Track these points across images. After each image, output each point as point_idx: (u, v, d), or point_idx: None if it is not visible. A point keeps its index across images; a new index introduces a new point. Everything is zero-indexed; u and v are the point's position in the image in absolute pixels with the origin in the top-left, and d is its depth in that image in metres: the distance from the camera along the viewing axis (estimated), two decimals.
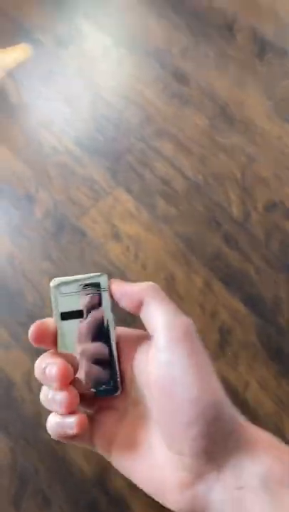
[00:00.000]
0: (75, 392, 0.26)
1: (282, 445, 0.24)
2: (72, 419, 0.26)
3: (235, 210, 1.10)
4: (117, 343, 0.29)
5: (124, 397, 0.28)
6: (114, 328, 0.29)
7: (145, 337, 0.28)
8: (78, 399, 0.26)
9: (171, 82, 1.23)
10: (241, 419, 0.25)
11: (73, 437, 0.27)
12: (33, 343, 0.28)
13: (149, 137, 1.19)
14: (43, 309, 1.04)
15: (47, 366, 0.27)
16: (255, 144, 1.15)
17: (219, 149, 1.15)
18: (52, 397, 0.27)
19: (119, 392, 0.28)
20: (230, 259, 1.05)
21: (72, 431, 0.26)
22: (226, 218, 1.09)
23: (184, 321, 0.26)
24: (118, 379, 0.28)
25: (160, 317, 0.26)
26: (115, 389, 0.28)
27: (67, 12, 1.37)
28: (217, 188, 1.11)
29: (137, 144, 1.19)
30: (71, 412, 0.26)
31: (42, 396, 0.28)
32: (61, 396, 0.26)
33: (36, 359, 0.29)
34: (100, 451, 0.28)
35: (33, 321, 0.28)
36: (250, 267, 1.04)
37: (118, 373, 0.28)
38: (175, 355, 0.24)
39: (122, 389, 0.28)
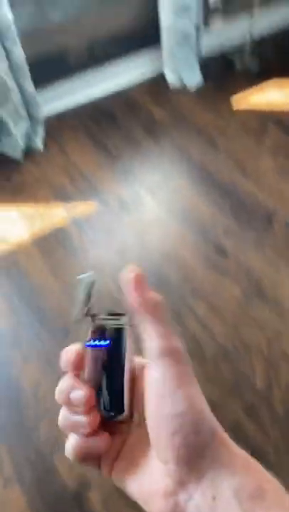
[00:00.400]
0: (97, 414, 0.29)
1: (256, 463, 0.27)
2: (97, 439, 0.29)
3: (259, 382, 1.12)
4: (133, 372, 0.31)
5: (129, 422, 0.31)
6: (131, 361, 0.31)
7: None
8: (99, 420, 0.29)
9: (212, 253, 1.40)
10: (222, 434, 0.27)
11: (95, 457, 0.29)
12: (63, 368, 0.30)
13: (185, 296, 1.30)
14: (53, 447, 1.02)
15: (73, 391, 0.29)
16: (284, 321, 1.23)
17: (249, 320, 1.24)
18: (75, 419, 0.29)
19: (125, 417, 0.30)
20: (248, 430, 1.04)
21: (100, 449, 0.29)
22: (248, 388, 1.11)
23: (174, 343, 0.28)
24: (127, 407, 0.30)
25: (155, 338, 0.28)
26: (124, 415, 0.30)
27: (133, 182, 1.65)
28: (244, 356, 1.16)
29: (174, 300, 1.29)
30: (95, 433, 0.29)
31: (62, 420, 0.30)
32: (86, 418, 0.29)
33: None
34: (104, 471, 0.30)
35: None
36: (268, 445, 1.02)
37: (128, 401, 0.30)
38: (166, 374, 0.27)
39: (131, 415, 0.31)
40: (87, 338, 0.31)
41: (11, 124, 1.69)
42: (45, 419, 1.09)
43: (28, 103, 1.70)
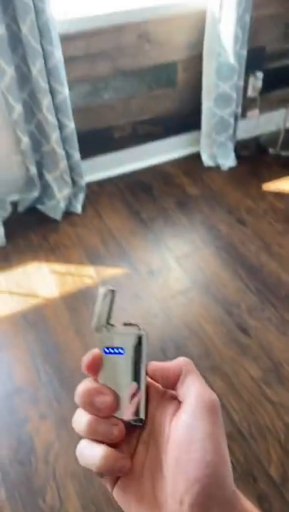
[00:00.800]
0: (122, 424, 0.31)
1: None
2: (126, 460, 0.30)
3: (274, 471, 1.09)
4: (147, 387, 0.32)
5: (141, 429, 0.32)
6: (146, 371, 0.32)
7: (169, 395, 0.32)
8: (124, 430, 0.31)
9: (234, 329, 1.42)
10: (239, 494, 0.28)
11: (115, 473, 0.30)
12: (84, 371, 0.32)
13: (204, 369, 1.31)
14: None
15: (98, 395, 0.30)
16: None
17: (267, 403, 1.23)
18: (103, 428, 0.30)
19: (143, 423, 0.32)
20: None
21: (124, 469, 0.30)
22: (262, 476, 1.09)
23: (213, 396, 0.29)
24: (144, 414, 0.32)
25: (194, 387, 0.30)
26: (141, 420, 0.32)
27: (162, 251, 1.73)
28: (259, 441, 1.14)
29: None
30: (120, 436, 0.30)
31: (84, 426, 0.30)
32: (112, 421, 0.30)
33: None
34: (106, 483, 0.31)
35: None
36: None
37: (144, 408, 0.32)
38: (199, 421, 0.28)
39: (144, 426, 0.32)
40: (105, 346, 0.33)
41: (55, 189, 1.83)
42: (53, 482, 1.08)
43: (73, 170, 1.85)
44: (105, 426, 0.30)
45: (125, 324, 0.33)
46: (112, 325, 0.33)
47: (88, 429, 0.30)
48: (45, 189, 1.88)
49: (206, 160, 2.17)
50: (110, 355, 0.33)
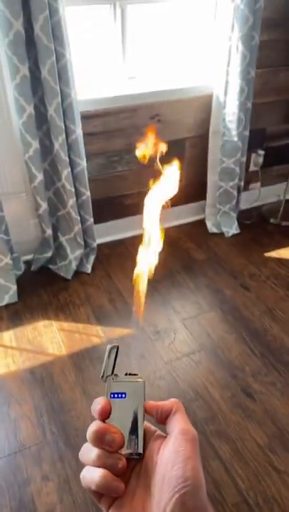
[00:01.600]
0: (125, 459, 0.37)
1: None
2: (120, 485, 0.36)
3: None
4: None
5: (138, 462, 0.39)
6: (144, 411, 0.39)
7: (157, 434, 0.39)
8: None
9: (239, 393, 1.43)
10: (210, 506, 0.34)
11: (108, 495, 0.36)
12: (97, 417, 0.38)
13: (210, 433, 1.31)
14: None
15: (108, 434, 0.37)
16: None
17: (273, 471, 1.21)
18: (110, 462, 0.36)
19: (142, 456, 0.38)
20: None
21: (118, 493, 0.36)
22: None
23: (193, 432, 0.37)
24: (142, 449, 0.39)
25: (179, 424, 0.37)
26: (139, 454, 0.38)
27: (168, 313, 1.78)
28: None
29: (198, 435, 1.30)
30: (123, 469, 0.37)
31: (93, 458, 0.36)
32: (117, 456, 0.37)
33: None
34: (102, 505, 0.37)
35: None
36: None
37: (142, 443, 0.39)
38: (181, 449, 0.35)
39: (141, 458, 0.39)
40: (111, 392, 0.40)
41: (68, 250, 1.93)
42: None
43: (86, 233, 1.96)
44: (112, 460, 0.37)
45: (126, 374, 0.41)
46: (116, 375, 0.41)
47: (97, 460, 0.37)
48: (59, 250, 1.98)
49: (211, 227, 2.29)
50: (115, 400, 0.40)
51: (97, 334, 1.67)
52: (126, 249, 2.15)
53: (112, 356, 0.41)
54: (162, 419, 0.39)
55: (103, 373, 0.41)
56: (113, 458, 0.36)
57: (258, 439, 1.29)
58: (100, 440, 0.37)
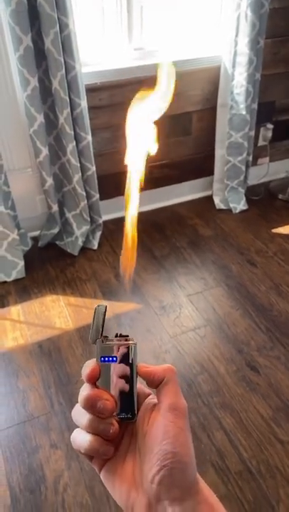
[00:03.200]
0: (118, 425, 0.37)
1: (222, 510, 0.35)
2: (109, 448, 0.36)
3: (282, 511, 1.09)
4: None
5: (132, 424, 0.39)
6: (136, 372, 0.38)
7: (150, 397, 0.39)
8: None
9: (244, 367, 1.45)
10: (199, 480, 0.35)
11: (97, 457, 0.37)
12: (86, 381, 0.37)
13: (214, 405, 1.33)
14: None
15: (100, 400, 0.36)
16: None
17: (276, 441, 1.23)
18: (102, 427, 0.36)
19: (135, 419, 0.38)
20: None
21: (107, 456, 0.37)
22: None
23: (183, 404, 0.36)
24: (136, 410, 0.38)
25: (170, 395, 0.36)
26: (133, 416, 0.38)
27: (174, 288, 1.78)
28: (268, 480, 1.15)
29: (203, 408, 1.32)
30: (114, 435, 0.37)
31: (85, 423, 0.36)
32: (109, 421, 0.36)
33: None
34: (94, 466, 0.38)
35: None
36: None
37: (136, 406, 0.38)
38: (171, 423, 0.35)
39: (136, 415, 0.38)
40: (101, 355, 0.38)
41: (74, 226, 1.93)
42: (61, 511, 1.09)
43: (92, 209, 1.95)
44: (104, 425, 0.37)
45: (117, 336, 0.39)
46: (106, 337, 0.39)
47: (89, 426, 0.37)
48: (65, 226, 1.98)
49: (219, 203, 2.27)
50: (105, 363, 0.38)
51: None
52: None
53: (100, 317, 0.39)
54: (153, 385, 0.38)
55: (91, 336, 0.39)
56: (105, 423, 0.36)
57: (261, 411, 1.31)
58: (91, 406, 0.36)
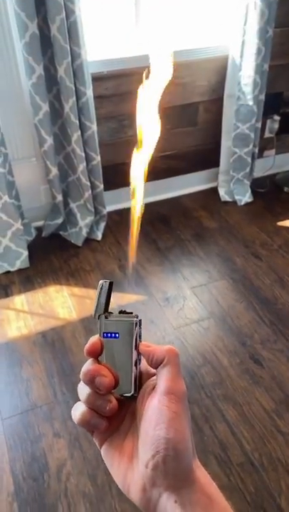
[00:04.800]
0: (116, 402, 0.37)
1: (220, 500, 0.34)
2: (101, 421, 0.36)
3: (284, 502, 1.09)
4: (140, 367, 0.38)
5: (132, 401, 0.38)
6: (138, 349, 0.38)
7: (154, 381, 0.38)
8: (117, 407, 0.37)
9: (247, 360, 1.45)
10: (196, 467, 0.34)
11: (92, 429, 0.37)
12: (86, 355, 0.37)
13: (217, 397, 1.33)
14: None
15: (98, 376, 0.36)
16: None
17: (279, 434, 1.24)
18: (99, 404, 0.36)
19: (136, 394, 0.38)
20: None
21: (99, 429, 0.37)
22: (272, 507, 1.08)
23: (180, 389, 0.35)
24: (136, 387, 0.38)
25: (167, 378, 0.35)
26: (132, 395, 0.37)
27: (178, 280, 1.78)
28: (271, 472, 1.15)
29: (206, 399, 1.32)
30: (111, 412, 0.36)
31: (85, 397, 0.36)
32: (107, 398, 0.36)
33: None
34: (95, 441, 0.38)
35: None
36: None
37: (137, 383, 0.38)
38: (166, 408, 0.34)
39: (138, 393, 0.38)
40: (104, 331, 0.38)
41: (78, 216, 1.93)
42: (64, 500, 1.09)
43: (96, 200, 1.94)
44: (102, 401, 0.36)
45: (120, 312, 0.39)
46: (110, 313, 0.38)
47: (87, 400, 0.37)
48: (69, 216, 1.97)
49: (224, 195, 2.25)
50: (108, 339, 0.38)
51: None
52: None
53: (104, 293, 0.38)
54: (153, 365, 0.37)
55: (95, 312, 0.38)
56: (102, 399, 0.36)
57: (264, 404, 1.31)
58: (90, 381, 0.36)
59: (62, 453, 1.20)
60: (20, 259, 1.83)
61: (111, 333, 0.38)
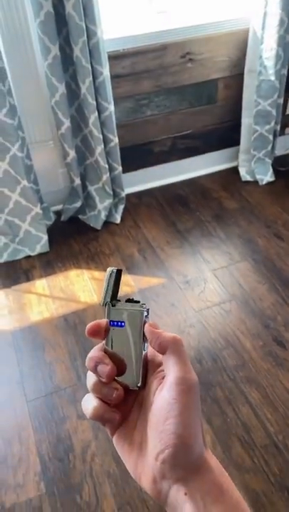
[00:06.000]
0: (122, 390, 0.36)
1: (232, 492, 0.33)
2: (114, 414, 0.36)
3: None
4: (146, 356, 0.38)
5: (138, 392, 0.38)
6: (145, 341, 0.37)
7: (162, 370, 0.37)
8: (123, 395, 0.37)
9: (270, 342, 1.43)
10: (207, 462, 0.34)
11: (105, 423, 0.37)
12: (87, 335, 0.37)
13: (240, 380, 1.32)
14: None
15: (100, 364, 0.36)
16: None
17: None
18: (105, 392, 0.36)
19: (140, 386, 0.37)
20: None
21: (112, 422, 0.36)
22: None
23: (191, 379, 0.34)
24: (141, 378, 0.37)
25: (174, 369, 0.34)
26: (136, 385, 0.37)
27: (199, 262, 1.76)
28: None
29: (228, 382, 1.32)
30: (117, 400, 0.36)
31: (93, 386, 0.36)
32: (113, 385, 0.36)
33: None
34: (108, 430, 0.38)
35: None
36: None
37: (141, 374, 0.37)
38: (176, 401, 0.33)
39: (143, 386, 0.37)
40: (110, 319, 0.37)
41: (97, 200, 1.91)
42: (90, 480, 1.12)
43: (114, 183, 1.92)
44: (107, 390, 0.36)
45: (128, 301, 0.38)
46: (118, 300, 0.38)
47: (93, 388, 0.36)
48: (88, 200, 1.96)
49: (244, 175, 2.20)
50: (114, 327, 0.37)
51: (127, 283, 1.68)
52: (155, 200, 2.11)
53: (112, 280, 0.38)
54: (158, 349, 0.37)
55: (102, 298, 0.38)
56: (108, 387, 0.36)
57: (288, 386, 1.30)
58: (93, 368, 0.36)
59: (86, 434, 1.22)
60: (41, 244, 1.83)
61: (117, 322, 0.37)
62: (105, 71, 1.63)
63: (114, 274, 0.37)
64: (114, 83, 1.76)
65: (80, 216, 1.99)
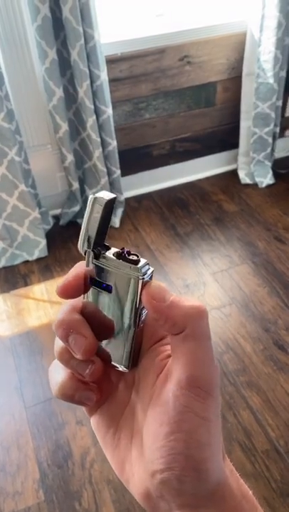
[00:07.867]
0: (100, 367, 0.26)
1: None
2: (88, 393, 0.26)
3: None
4: (144, 333, 0.26)
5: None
6: (141, 313, 0.25)
7: (164, 349, 0.26)
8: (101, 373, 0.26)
9: (271, 346, 1.41)
10: (231, 480, 0.25)
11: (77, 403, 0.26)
12: (58, 294, 0.26)
13: (240, 384, 1.31)
14: None
15: (74, 335, 0.24)
16: None
17: None
18: (79, 367, 0.25)
19: (127, 370, 0.27)
20: None
21: (86, 403, 0.26)
22: None
23: (211, 376, 0.24)
24: (128, 363, 0.26)
25: (192, 360, 0.23)
26: (126, 368, 0.26)
27: (198, 266, 1.75)
28: None
29: (229, 386, 1.30)
30: (93, 378, 0.25)
31: (57, 350, 0.26)
32: (89, 370, 0.25)
33: None
34: (85, 409, 0.28)
35: None
36: None
37: (131, 354, 0.26)
38: (188, 409, 0.23)
39: (132, 367, 0.27)
40: (93, 276, 0.25)
41: None
42: (89, 487, 1.10)
43: (113, 186, 1.91)
44: (78, 362, 0.25)
45: (120, 255, 0.24)
46: (106, 247, 0.25)
47: (60, 357, 0.26)
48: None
49: (244, 178, 2.19)
50: (96, 289, 0.25)
51: None
52: (154, 203, 2.10)
53: (98, 214, 0.23)
54: (168, 331, 0.24)
55: (80, 242, 0.24)
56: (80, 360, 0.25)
57: (288, 390, 1.28)
58: (63, 337, 0.25)
59: (85, 440, 1.20)
60: (39, 248, 1.83)
61: (102, 283, 0.25)
62: (103, 75, 1.63)
63: (103, 204, 0.22)
64: (112, 87, 1.75)
65: (79, 220, 1.98)
